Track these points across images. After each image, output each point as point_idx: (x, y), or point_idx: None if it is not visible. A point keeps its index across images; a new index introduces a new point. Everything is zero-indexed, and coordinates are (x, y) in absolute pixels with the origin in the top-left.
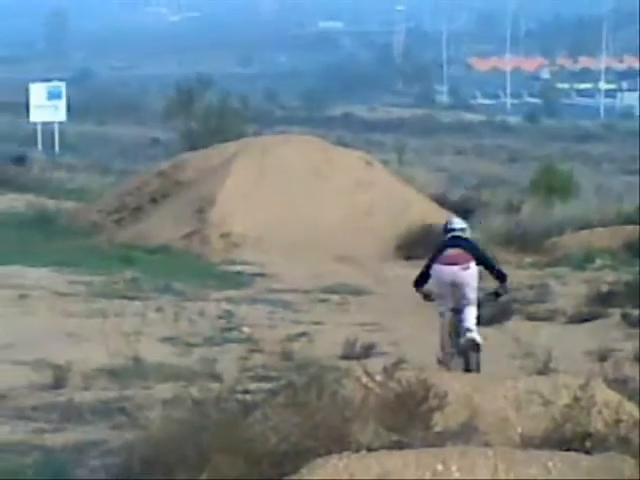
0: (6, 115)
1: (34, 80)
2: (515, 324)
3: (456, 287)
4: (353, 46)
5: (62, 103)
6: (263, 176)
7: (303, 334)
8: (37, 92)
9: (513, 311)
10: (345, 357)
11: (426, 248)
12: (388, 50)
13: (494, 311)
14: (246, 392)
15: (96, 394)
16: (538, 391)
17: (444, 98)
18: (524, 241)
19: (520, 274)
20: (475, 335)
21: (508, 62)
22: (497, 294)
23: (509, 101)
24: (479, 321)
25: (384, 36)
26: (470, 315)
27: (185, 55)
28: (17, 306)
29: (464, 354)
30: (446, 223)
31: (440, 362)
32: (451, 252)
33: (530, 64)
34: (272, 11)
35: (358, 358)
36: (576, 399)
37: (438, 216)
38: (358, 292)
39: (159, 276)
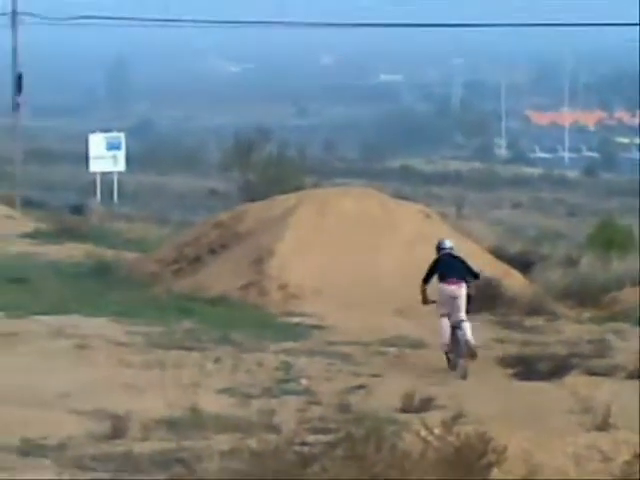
0: (66, 165)
1: (94, 130)
2: (574, 379)
3: (453, 299)
4: (412, 98)
5: (121, 153)
6: (322, 228)
7: (361, 386)
8: (97, 142)
9: (572, 366)
10: (403, 410)
11: (485, 301)
12: (447, 102)
13: (553, 365)
14: (304, 444)
15: (154, 445)
16: (598, 447)
17: (503, 151)
18: (583, 295)
19: (579, 329)
20: (473, 345)
21: (566, 115)
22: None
23: (567, 155)
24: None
25: (443, 88)
26: (468, 329)
27: (244, 106)
28: (76, 356)
29: (460, 356)
30: (439, 243)
31: (447, 354)
32: (451, 280)
33: (589, 118)
34: (331, 62)
35: (416, 411)
36: (636, 455)
37: (496, 269)
38: (416, 345)
39: (217, 327)
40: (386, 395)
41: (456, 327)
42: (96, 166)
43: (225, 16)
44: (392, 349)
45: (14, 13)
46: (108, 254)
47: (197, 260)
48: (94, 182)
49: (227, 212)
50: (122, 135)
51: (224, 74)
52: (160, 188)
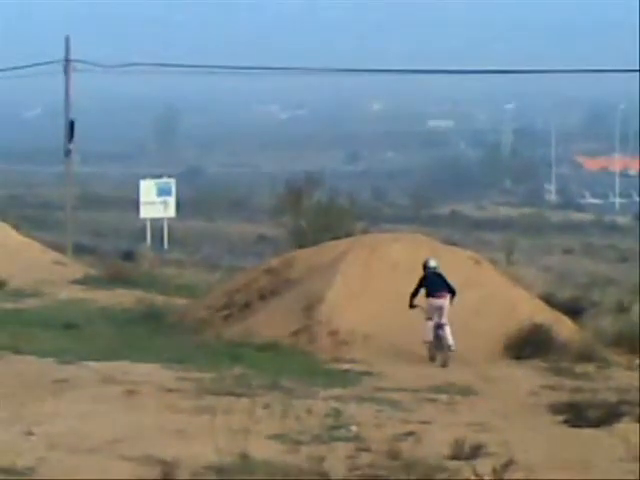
0: (116, 211)
1: (144, 176)
2: (624, 426)
3: (438, 308)
4: (462, 144)
5: (172, 199)
6: (372, 274)
7: (411, 433)
8: (147, 188)
9: (623, 413)
10: (453, 457)
11: (535, 348)
12: (497, 148)
13: (603, 413)
14: None
15: None
16: None
17: (553, 197)
18: (634, 342)
19: (630, 376)
20: (453, 346)
21: (617, 161)
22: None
23: (618, 201)
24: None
25: (493, 134)
26: (448, 333)
27: (294, 152)
28: (126, 402)
29: (441, 350)
30: (425, 262)
31: (429, 347)
32: (438, 294)
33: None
34: (380, 109)
35: (466, 459)
36: None
37: (547, 316)
38: (466, 392)
39: (267, 373)
40: (436, 442)
41: (439, 328)
42: (147, 212)
43: (275, 63)
44: (441, 396)
45: (67, 60)
46: (158, 300)
47: (247, 306)
48: (144, 228)
49: (277, 258)
50: (172, 181)
51: (274, 120)
52: (210, 234)
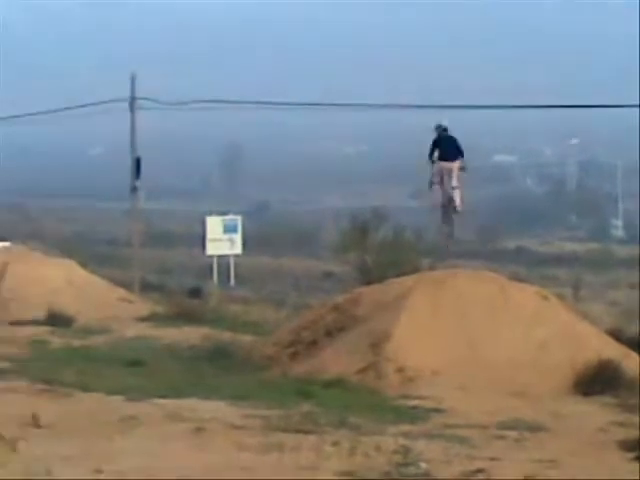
0: (182, 247)
1: (210, 213)
2: None
3: (450, 171)
4: (526, 179)
5: (238, 236)
6: (438, 310)
7: (480, 470)
8: (213, 225)
9: None
10: None
11: (604, 384)
12: (562, 183)
13: None
14: None
15: None
16: None
17: (619, 232)
18: None
19: None
20: (459, 207)
21: None
22: None
23: None
24: None
25: (558, 169)
26: (457, 196)
27: (359, 188)
28: (193, 439)
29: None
30: (437, 125)
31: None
32: (450, 158)
33: None
34: None
35: None
36: None
37: (615, 351)
38: (535, 428)
39: (335, 410)
40: (505, 479)
41: (449, 195)
42: (213, 249)
43: (339, 99)
44: (510, 432)
45: (132, 98)
46: (225, 337)
47: (314, 343)
48: (211, 265)
49: (343, 295)
50: (239, 218)
51: (339, 156)
52: (276, 270)
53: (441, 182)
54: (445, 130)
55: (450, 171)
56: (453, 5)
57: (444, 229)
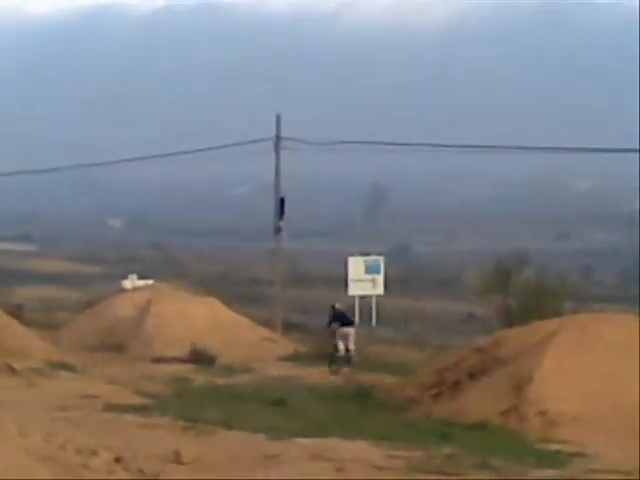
0: (324, 288)
1: (352, 253)
2: None
3: (348, 335)
4: None
5: (380, 277)
6: (582, 354)
7: None
8: (356, 266)
9: None
10: None
11: None
12: None
13: None
14: None
15: None
16: None
17: None
18: None
19: None
20: (354, 357)
21: None
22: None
23: None
24: None
25: None
26: (353, 350)
27: (502, 230)
28: (335, 479)
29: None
30: (333, 305)
31: (332, 363)
32: (346, 325)
33: None
34: (588, 187)
35: None
36: None
37: None
38: None
39: (477, 453)
40: None
41: (348, 350)
42: (355, 289)
43: (481, 141)
44: None
45: (277, 138)
46: (367, 378)
47: (457, 385)
48: (352, 305)
49: (486, 337)
50: (381, 259)
51: (482, 198)
52: (418, 312)
53: None
54: (340, 309)
55: (348, 335)
56: None
57: None
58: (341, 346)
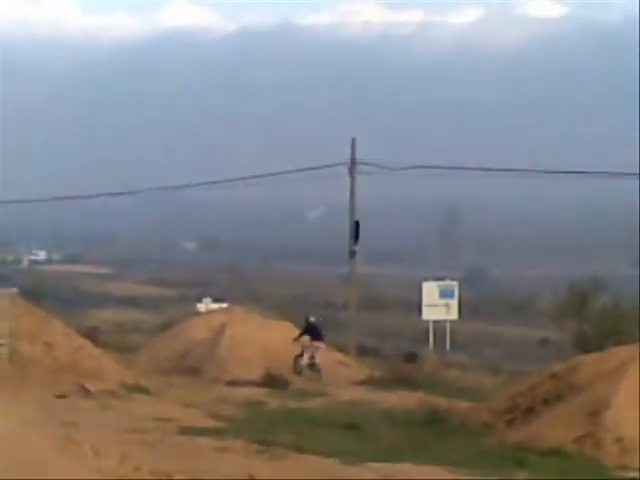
0: (398, 312)
1: (426, 278)
2: None
3: (318, 347)
4: None
5: (454, 302)
6: None
7: None
8: (430, 290)
9: None
10: None
11: None
12: None
13: None
14: None
15: None
16: None
17: None
18: None
19: None
20: (321, 370)
21: None
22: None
23: None
24: None
25: None
26: (319, 362)
27: (578, 255)
28: None
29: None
30: (307, 318)
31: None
32: (316, 339)
33: None
34: None
35: None
36: None
37: None
38: None
39: (551, 479)
40: None
41: (313, 358)
42: (429, 314)
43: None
44: None
45: (352, 162)
46: (441, 402)
47: (531, 410)
48: (427, 330)
49: (562, 363)
50: (455, 284)
51: (558, 222)
52: (492, 337)
53: None
54: (313, 322)
55: (318, 347)
56: None
57: None
58: (306, 358)
